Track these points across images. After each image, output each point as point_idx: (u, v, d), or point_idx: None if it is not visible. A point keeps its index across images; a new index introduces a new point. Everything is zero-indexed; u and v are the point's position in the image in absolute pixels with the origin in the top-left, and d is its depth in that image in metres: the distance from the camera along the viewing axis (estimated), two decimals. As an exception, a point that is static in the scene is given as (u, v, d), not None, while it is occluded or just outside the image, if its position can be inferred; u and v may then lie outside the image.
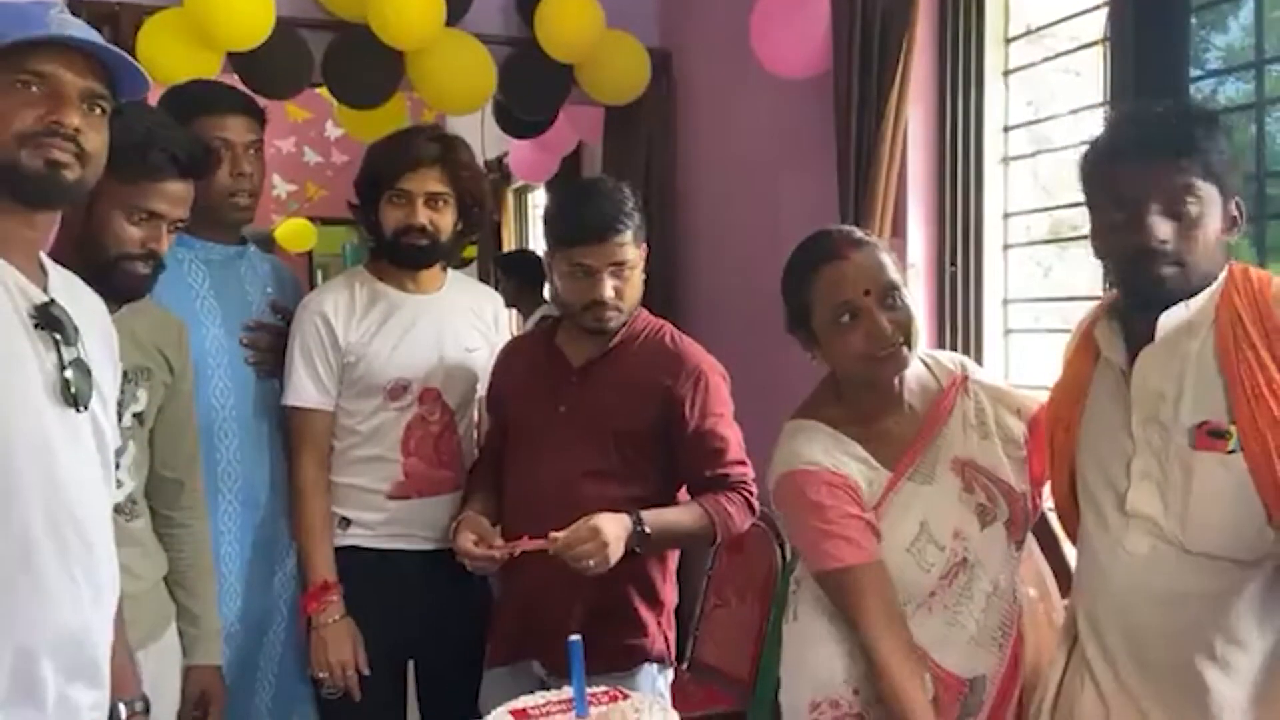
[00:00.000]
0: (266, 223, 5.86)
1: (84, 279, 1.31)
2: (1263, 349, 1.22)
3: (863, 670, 1.44)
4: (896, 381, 1.47)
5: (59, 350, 1.15)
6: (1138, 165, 1.24)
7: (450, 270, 2.06)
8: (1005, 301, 2.27)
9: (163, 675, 1.60)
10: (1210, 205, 1.25)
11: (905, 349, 1.42)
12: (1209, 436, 1.24)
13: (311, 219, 6.17)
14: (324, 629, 1.85)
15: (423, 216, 1.89)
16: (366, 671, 1.87)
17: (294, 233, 6.02)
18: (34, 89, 1.14)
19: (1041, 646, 1.52)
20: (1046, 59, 2.16)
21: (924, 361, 1.54)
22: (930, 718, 1.39)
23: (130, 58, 1.20)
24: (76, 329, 1.19)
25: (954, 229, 2.27)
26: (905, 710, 1.37)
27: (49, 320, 1.15)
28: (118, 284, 1.54)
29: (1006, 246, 2.25)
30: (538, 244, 5.37)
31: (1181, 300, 1.27)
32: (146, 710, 1.44)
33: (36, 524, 1.12)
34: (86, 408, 1.18)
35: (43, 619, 1.14)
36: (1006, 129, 2.24)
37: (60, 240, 1.53)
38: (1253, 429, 1.20)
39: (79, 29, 1.17)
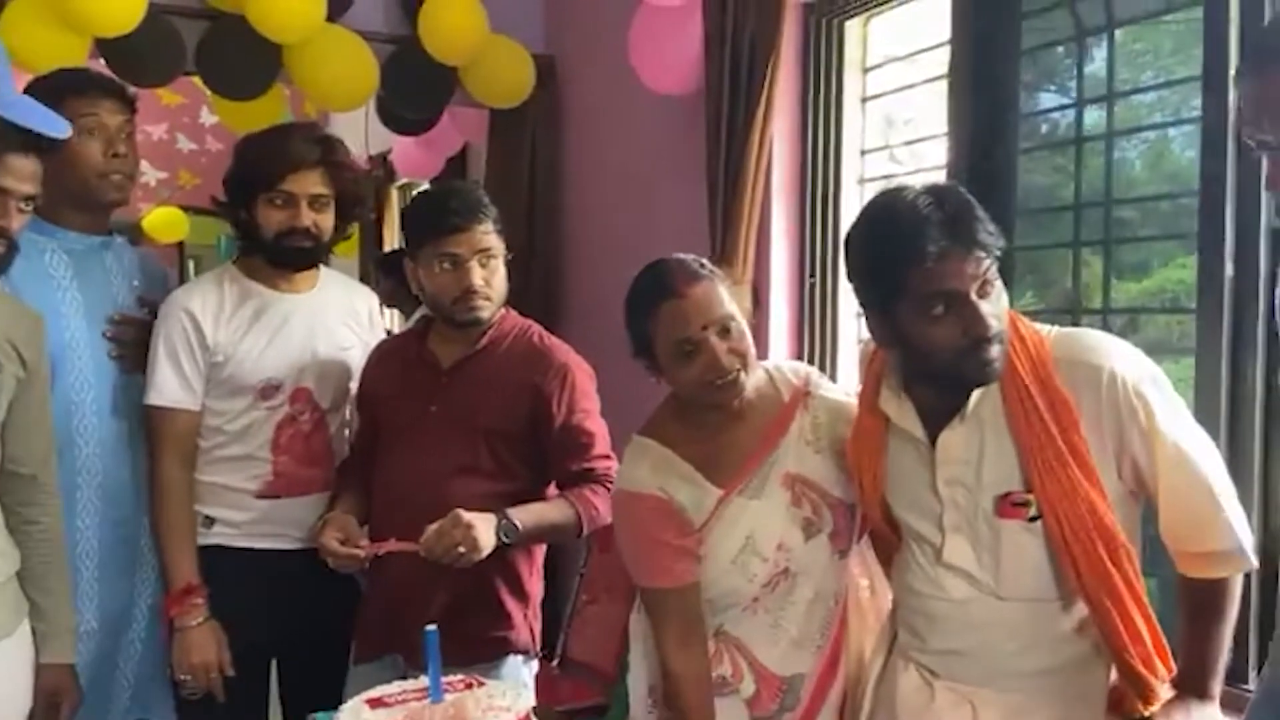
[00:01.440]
0: (134, 212, 5.63)
1: None
2: (1049, 419, 1.28)
3: None
4: (736, 401, 1.52)
5: None
6: (954, 260, 1.24)
7: (323, 268, 2.06)
8: (859, 314, 2.40)
9: (14, 673, 1.58)
10: (997, 277, 1.29)
11: (742, 374, 1.48)
12: (1011, 506, 1.31)
13: (184, 208, 5.96)
14: (188, 631, 1.83)
15: (307, 219, 1.89)
16: (231, 673, 1.86)
17: (165, 222, 5.81)
18: None
19: (868, 636, 1.62)
20: (897, 90, 2.32)
21: (768, 372, 1.60)
22: None
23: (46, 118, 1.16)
24: None
25: (814, 244, 2.41)
26: None
27: None
28: None
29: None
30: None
31: (996, 379, 1.31)
32: None
33: None
34: None
35: None
36: (864, 152, 2.38)
37: None
38: (1045, 499, 1.28)
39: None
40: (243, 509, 1.92)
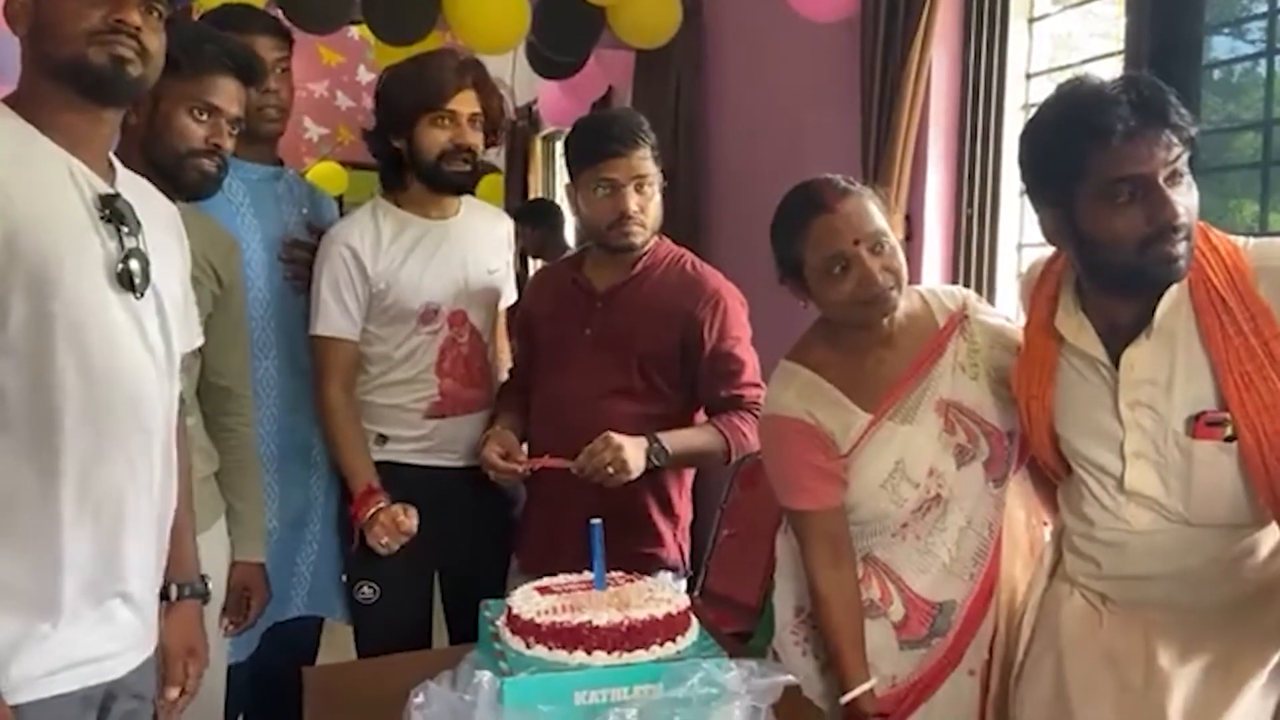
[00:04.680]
0: (299, 165, 5.93)
1: (152, 181, 1.39)
2: (1250, 334, 1.21)
3: None
4: (886, 322, 1.49)
5: (121, 239, 1.22)
6: (1143, 142, 1.17)
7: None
8: (1020, 246, 2.32)
9: (210, 567, 1.68)
10: (1188, 170, 1.21)
11: (895, 292, 1.45)
12: (1206, 426, 1.24)
13: (342, 163, 6.24)
14: (374, 516, 1.89)
15: (471, 136, 1.95)
16: (415, 530, 1.90)
17: (325, 176, 6.07)
18: None
19: (1024, 568, 1.57)
20: (1068, 7, 2.19)
21: (923, 296, 1.56)
22: (857, 651, 1.49)
23: None
24: (139, 222, 1.25)
25: (972, 173, 2.32)
26: (835, 642, 1.50)
27: (113, 211, 1.22)
28: (187, 181, 1.62)
29: (1024, 191, 2.30)
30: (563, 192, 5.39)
31: (1183, 279, 1.23)
32: (205, 594, 1.53)
33: (92, 401, 1.17)
34: (143, 295, 1.24)
35: (99, 488, 1.20)
36: (1029, 76, 2.27)
37: (124, 146, 1.60)
38: (1243, 416, 1.21)
39: None
40: (413, 427, 2.01)
